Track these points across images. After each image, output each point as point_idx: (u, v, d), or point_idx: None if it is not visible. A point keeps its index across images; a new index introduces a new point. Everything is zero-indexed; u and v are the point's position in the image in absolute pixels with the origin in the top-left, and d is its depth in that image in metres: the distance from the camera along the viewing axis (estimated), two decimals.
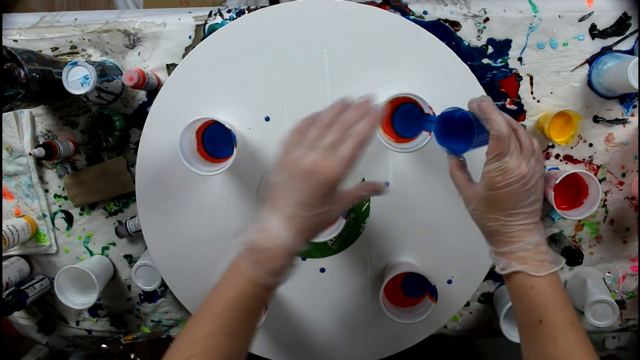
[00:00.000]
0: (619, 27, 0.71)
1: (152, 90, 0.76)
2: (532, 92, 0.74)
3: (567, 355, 0.48)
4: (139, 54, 0.75)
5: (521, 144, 0.50)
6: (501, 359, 1.16)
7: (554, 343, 0.48)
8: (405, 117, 0.67)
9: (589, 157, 0.76)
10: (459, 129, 0.57)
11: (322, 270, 0.75)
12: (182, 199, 0.72)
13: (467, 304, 0.82)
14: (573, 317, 0.49)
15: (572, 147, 0.76)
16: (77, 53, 0.76)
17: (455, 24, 0.72)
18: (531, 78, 0.74)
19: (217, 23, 0.74)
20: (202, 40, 0.72)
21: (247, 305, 0.49)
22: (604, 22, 0.71)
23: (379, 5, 0.71)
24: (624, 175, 0.77)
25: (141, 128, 0.72)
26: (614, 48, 0.72)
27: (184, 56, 0.74)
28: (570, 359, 0.48)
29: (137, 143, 0.76)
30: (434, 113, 0.60)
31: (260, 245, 0.48)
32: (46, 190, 0.81)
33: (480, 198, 0.52)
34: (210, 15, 0.74)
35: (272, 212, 0.49)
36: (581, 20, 0.71)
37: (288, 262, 0.49)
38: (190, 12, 0.75)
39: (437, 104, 0.65)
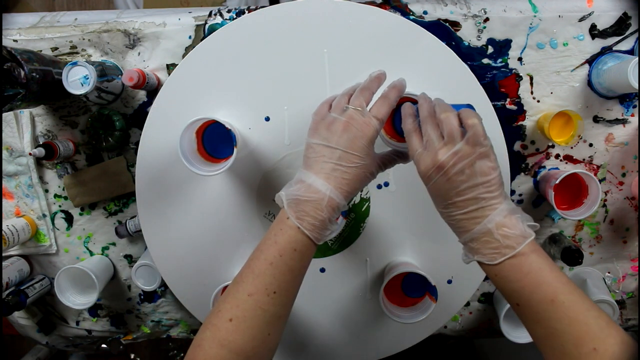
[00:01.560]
0: (619, 27, 0.72)
1: (152, 90, 0.76)
2: (532, 92, 0.74)
3: (553, 334, 0.46)
4: (139, 54, 0.75)
5: (427, 135, 0.50)
6: (501, 359, 1.16)
7: (537, 324, 0.47)
8: None
9: (589, 157, 0.76)
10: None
11: (322, 270, 0.75)
12: (182, 199, 0.72)
13: (467, 304, 0.82)
14: (554, 294, 0.46)
15: (572, 147, 0.76)
16: (77, 53, 0.76)
17: (455, 24, 0.72)
18: (531, 78, 0.74)
19: (217, 23, 0.74)
20: (202, 40, 0.72)
21: (290, 263, 0.50)
22: (604, 22, 0.71)
23: (379, 5, 0.71)
24: (624, 175, 0.77)
25: (141, 128, 0.72)
26: (614, 48, 0.72)
27: (184, 56, 0.74)
28: (557, 338, 0.45)
29: (137, 143, 0.76)
30: None
31: (303, 199, 0.50)
32: (46, 190, 0.81)
33: (431, 196, 0.53)
34: (210, 15, 0.74)
35: (311, 171, 0.51)
36: (581, 20, 0.71)
37: (330, 214, 0.50)
38: (190, 12, 0.75)
39: None
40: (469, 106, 0.54)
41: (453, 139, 0.48)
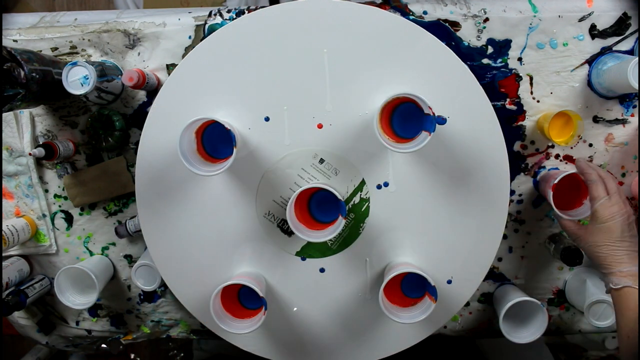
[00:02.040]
0: (619, 27, 0.72)
1: (152, 90, 0.76)
2: (532, 92, 0.74)
3: None
4: (139, 54, 0.75)
5: (609, 189, 0.64)
6: (501, 359, 1.16)
7: None
8: (405, 117, 0.67)
9: (589, 157, 0.76)
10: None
11: (322, 270, 0.75)
12: (182, 199, 0.72)
13: (467, 304, 0.82)
14: None
15: (572, 147, 0.76)
16: (77, 53, 0.76)
17: (455, 24, 0.72)
18: (531, 78, 0.74)
19: (217, 23, 0.74)
20: (202, 40, 0.72)
21: None
22: (604, 22, 0.71)
23: (379, 5, 0.71)
24: (624, 175, 0.77)
25: (141, 128, 0.72)
26: (613, 48, 0.72)
27: (183, 56, 0.74)
28: None
29: (137, 143, 0.76)
30: (434, 113, 0.60)
31: None
32: (46, 190, 0.81)
33: (593, 232, 0.64)
34: (210, 15, 0.74)
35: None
36: (581, 20, 0.71)
37: None
38: (190, 12, 0.75)
39: (437, 104, 0.65)
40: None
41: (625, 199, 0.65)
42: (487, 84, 0.73)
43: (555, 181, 0.68)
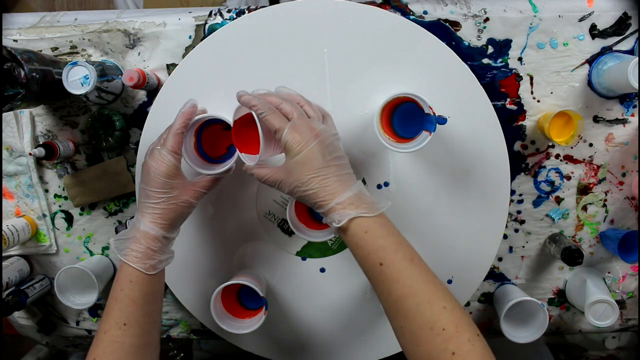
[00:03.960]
0: (619, 27, 0.72)
1: (152, 90, 0.76)
2: (532, 92, 0.74)
3: (412, 293, 0.48)
4: (139, 54, 0.75)
5: (287, 114, 0.54)
6: (501, 359, 1.16)
7: (397, 283, 0.49)
8: (405, 117, 0.67)
9: (589, 157, 0.76)
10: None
11: (322, 270, 0.75)
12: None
13: (467, 304, 0.82)
14: (412, 254, 0.51)
15: (572, 147, 0.76)
16: (77, 53, 0.76)
17: (455, 24, 0.72)
18: (531, 78, 0.74)
19: (217, 23, 0.74)
20: (202, 40, 0.72)
21: (131, 294, 0.55)
22: (604, 22, 0.71)
23: (379, 5, 0.71)
24: (624, 175, 0.77)
25: (141, 128, 0.72)
26: (614, 48, 0.72)
27: (184, 56, 0.74)
28: (415, 296, 0.48)
29: (137, 143, 0.76)
30: (434, 113, 0.60)
31: (125, 236, 0.58)
32: (46, 190, 0.81)
33: (292, 171, 0.53)
34: (210, 15, 0.74)
35: (137, 211, 0.59)
36: (581, 20, 0.71)
37: (150, 245, 0.57)
38: (190, 12, 0.75)
39: (437, 103, 0.65)
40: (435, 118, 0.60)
41: (317, 119, 0.57)
42: (487, 84, 0.73)
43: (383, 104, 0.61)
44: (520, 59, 0.73)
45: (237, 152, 0.61)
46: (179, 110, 0.60)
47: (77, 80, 0.66)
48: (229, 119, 0.62)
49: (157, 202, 0.57)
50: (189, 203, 0.59)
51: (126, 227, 0.79)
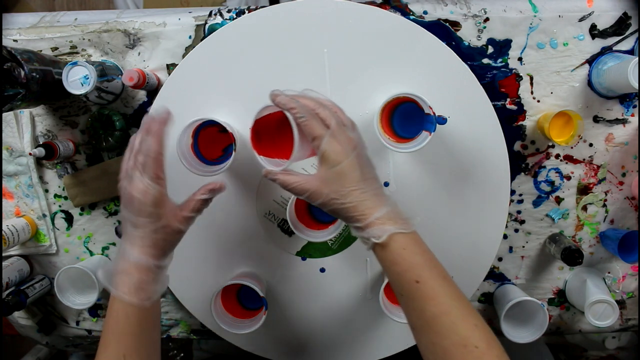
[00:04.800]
0: (619, 27, 0.72)
1: (152, 90, 0.76)
2: (532, 92, 0.74)
3: (447, 311, 0.47)
4: (139, 54, 0.75)
5: (326, 120, 0.51)
6: None
7: (433, 301, 0.48)
8: (405, 117, 0.67)
9: (589, 157, 0.76)
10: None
11: (322, 270, 0.75)
12: (182, 199, 0.72)
13: None
14: (444, 271, 0.50)
15: (572, 147, 0.76)
16: (77, 53, 0.76)
17: (455, 24, 0.72)
18: (531, 78, 0.74)
19: (217, 23, 0.74)
20: (202, 40, 0.72)
21: (128, 329, 0.53)
22: (604, 22, 0.71)
23: (379, 5, 0.71)
24: (624, 175, 0.77)
25: None
26: (614, 48, 0.72)
27: (184, 56, 0.74)
28: (449, 314, 0.47)
29: None
30: (434, 113, 0.60)
31: (116, 269, 0.54)
32: (46, 190, 0.81)
33: (328, 181, 0.50)
34: (210, 15, 0.74)
35: (123, 240, 0.55)
36: (581, 20, 0.71)
37: (143, 276, 0.53)
38: (190, 12, 0.75)
39: (437, 104, 0.65)
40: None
41: (349, 127, 0.54)
42: (487, 84, 0.73)
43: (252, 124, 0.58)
44: (520, 59, 0.73)
45: (256, 155, 0.57)
46: (147, 127, 0.55)
47: (77, 80, 0.66)
48: (226, 121, 0.62)
49: (145, 231, 0.53)
50: (178, 230, 0.56)
51: None
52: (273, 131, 0.58)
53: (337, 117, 0.52)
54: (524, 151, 0.76)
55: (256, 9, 0.71)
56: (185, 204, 0.57)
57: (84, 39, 0.75)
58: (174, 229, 0.55)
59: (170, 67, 0.75)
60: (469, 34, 0.72)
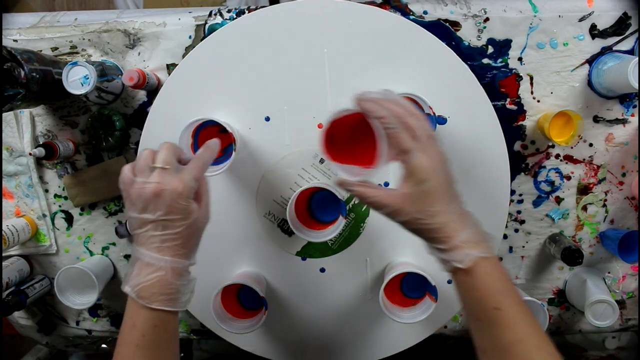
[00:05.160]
0: (619, 27, 0.72)
1: (152, 90, 0.76)
2: (532, 92, 0.74)
3: (525, 339, 0.46)
4: (139, 54, 0.75)
5: (415, 131, 0.47)
6: None
7: (511, 329, 0.46)
8: None
9: (589, 157, 0.76)
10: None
11: (322, 270, 0.75)
12: None
13: None
14: (520, 297, 0.48)
15: (572, 147, 0.76)
16: (77, 53, 0.76)
17: (455, 24, 0.72)
18: (531, 78, 0.74)
19: (217, 23, 0.74)
20: (202, 40, 0.72)
21: (155, 338, 0.48)
22: (604, 22, 0.71)
23: (379, 5, 0.71)
24: (624, 175, 0.77)
25: (141, 128, 0.72)
26: (614, 48, 0.72)
27: (184, 56, 0.74)
28: (526, 342, 0.46)
29: (137, 143, 0.76)
30: (434, 113, 0.60)
31: (146, 282, 0.48)
32: (46, 190, 0.81)
33: (413, 199, 0.47)
34: (210, 15, 0.74)
35: (143, 248, 0.49)
36: (581, 20, 0.71)
37: (180, 280, 0.50)
38: (190, 12, 0.75)
39: (437, 103, 0.65)
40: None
41: (436, 139, 0.49)
42: (487, 84, 0.73)
43: (328, 125, 0.52)
44: (520, 59, 0.73)
45: (331, 162, 0.52)
46: (204, 146, 0.54)
47: (77, 80, 0.66)
48: (226, 121, 0.62)
49: (177, 230, 0.49)
50: (206, 221, 0.53)
51: (126, 227, 0.79)
52: (346, 135, 0.53)
53: (428, 128, 0.48)
54: (524, 151, 0.76)
55: (256, 9, 0.71)
56: (201, 200, 0.53)
57: (84, 39, 0.75)
58: (202, 220, 0.52)
59: (170, 67, 0.75)
60: (469, 34, 0.72)
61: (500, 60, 0.73)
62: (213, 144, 0.55)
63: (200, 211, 0.51)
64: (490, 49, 0.73)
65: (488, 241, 0.48)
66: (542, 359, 0.46)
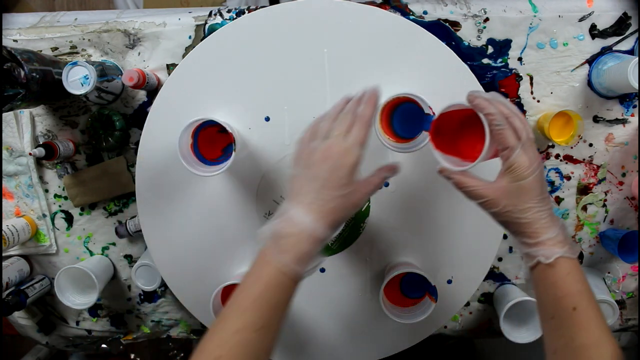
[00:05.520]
0: (619, 27, 0.72)
1: (152, 90, 0.76)
2: (532, 92, 0.74)
3: (598, 344, 0.47)
4: (139, 54, 0.75)
5: (518, 132, 0.50)
6: (501, 359, 1.16)
7: (585, 332, 0.47)
8: (405, 117, 0.67)
9: (589, 157, 0.76)
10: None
11: (322, 270, 0.75)
12: (182, 199, 0.72)
13: (467, 304, 0.82)
14: (597, 304, 0.50)
15: (572, 147, 0.76)
16: (77, 53, 0.76)
17: (455, 24, 0.72)
18: (531, 78, 0.74)
19: (217, 23, 0.74)
20: (202, 40, 0.72)
21: (275, 298, 0.49)
22: (604, 22, 0.71)
23: (379, 5, 0.71)
24: (624, 175, 0.77)
25: (141, 128, 0.72)
26: (614, 48, 0.72)
27: (184, 56, 0.74)
28: (600, 347, 0.47)
29: (137, 143, 0.76)
30: (434, 113, 0.60)
31: (284, 232, 0.49)
32: (46, 190, 0.81)
33: (509, 193, 0.50)
34: (210, 15, 0.74)
35: (293, 202, 0.50)
36: (581, 20, 0.71)
37: (313, 248, 0.49)
38: (190, 12, 0.75)
39: (437, 104, 0.65)
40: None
41: (534, 141, 0.52)
42: (487, 84, 0.73)
43: (436, 115, 0.56)
44: (520, 59, 0.73)
45: (435, 150, 0.56)
46: (362, 100, 0.54)
47: (77, 80, 0.66)
48: (226, 121, 0.62)
49: (333, 198, 0.50)
50: (358, 203, 0.53)
51: (126, 228, 0.79)
52: (453, 129, 0.57)
53: (529, 129, 0.51)
54: None
55: (256, 9, 0.71)
56: (370, 179, 0.55)
57: (84, 39, 0.75)
58: (356, 201, 0.52)
59: (170, 67, 0.75)
60: (469, 34, 0.72)
61: (500, 60, 0.73)
62: (372, 93, 0.55)
63: (358, 190, 0.52)
64: (490, 49, 0.73)
65: (573, 245, 0.51)
66: None
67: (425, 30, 0.68)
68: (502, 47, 0.73)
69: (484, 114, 0.51)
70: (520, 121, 0.51)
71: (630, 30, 0.72)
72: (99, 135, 0.76)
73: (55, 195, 0.81)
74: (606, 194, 0.77)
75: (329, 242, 0.53)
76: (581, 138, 0.75)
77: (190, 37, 0.74)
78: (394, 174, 0.57)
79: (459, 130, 0.57)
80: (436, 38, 0.68)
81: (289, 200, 0.51)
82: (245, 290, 0.49)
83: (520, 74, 0.74)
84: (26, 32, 0.76)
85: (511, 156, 0.49)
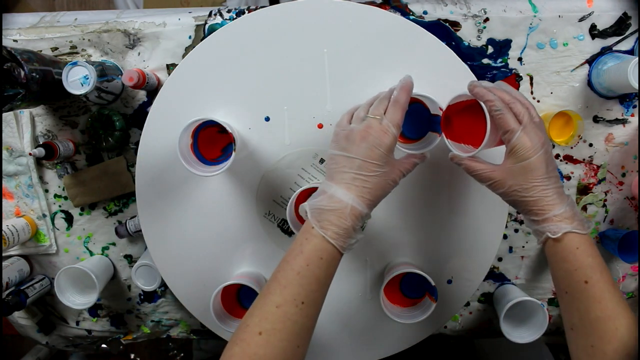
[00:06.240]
0: (619, 27, 0.72)
1: (152, 90, 0.76)
2: (532, 92, 0.74)
3: (613, 316, 0.48)
4: (139, 54, 0.75)
5: (519, 116, 0.53)
6: (501, 359, 1.16)
7: (599, 304, 0.48)
8: (410, 118, 0.67)
9: (589, 157, 0.76)
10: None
11: None
12: (182, 199, 0.72)
13: (467, 304, 0.82)
14: (611, 276, 0.51)
15: (572, 147, 0.76)
16: (77, 53, 0.76)
17: (455, 24, 0.72)
18: (531, 78, 0.74)
19: (217, 23, 0.74)
20: (202, 40, 0.72)
21: (317, 272, 0.50)
22: (604, 22, 0.71)
23: (379, 5, 0.71)
24: (624, 175, 0.77)
25: (141, 128, 0.72)
26: (614, 48, 0.72)
27: (184, 56, 0.74)
28: (615, 319, 0.48)
29: (137, 143, 0.76)
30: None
31: (326, 207, 0.52)
32: (46, 190, 0.81)
33: (514, 173, 0.53)
34: (210, 15, 0.74)
35: (332, 182, 0.53)
36: (581, 20, 0.71)
37: (354, 222, 0.52)
38: (190, 12, 0.75)
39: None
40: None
41: (540, 125, 0.54)
42: None
43: (446, 105, 0.60)
44: (520, 59, 0.73)
45: (444, 138, 0.60)
46: (397, 87, 0.57)
47: (77, 80, 0.66)
48: (226, 121, 0.62)
49: (370, 175, 0.52)
50: (394, 182, 0.55)
51: (126, 228, 0.79)
52: (463, 118, 0.60)
53: (530, 113, 0.54)
54: None
55: (256, 9, 0.71)
56: (404, 161, 0.58)
57: (84, 39, 0.75)
58: (392, 179, 0.55)
59: (170, 67, 0.75)
60: (469, 34, 0.72)
61: (500, 60, 0.73)
62: (406, 81, 0.58)
63: (393, 169, 0.55)
64: (490, 49, 0.73)
65: (582, 220, 0.52)
66: (631, 339, 0.46)
67: (425, 31, 0.68)
68: (502, 47, 0.73)
69: (484, 101, 0.54)
70: (523, 105, 0.53)
71: (630, 30, 0.72)
72: (99, 135, 0.76)
73: (55, 195, 0.81)
74: (606, 194, 0.77)
75: (367, 218, 0.55)
76: (581, 138, 0.75)
77: (190, 37, 0.74)
78: (422, 161, 0.60)
79: (467, 119, 0.60)
80: (436, 38, 0.68)
81: (329, 178, 0.54)
82: (288, 265, 0.51)
83: (520, 74, 0.74)
84: (26, 32, 0.76)
85: (512, 139, 0.52)
